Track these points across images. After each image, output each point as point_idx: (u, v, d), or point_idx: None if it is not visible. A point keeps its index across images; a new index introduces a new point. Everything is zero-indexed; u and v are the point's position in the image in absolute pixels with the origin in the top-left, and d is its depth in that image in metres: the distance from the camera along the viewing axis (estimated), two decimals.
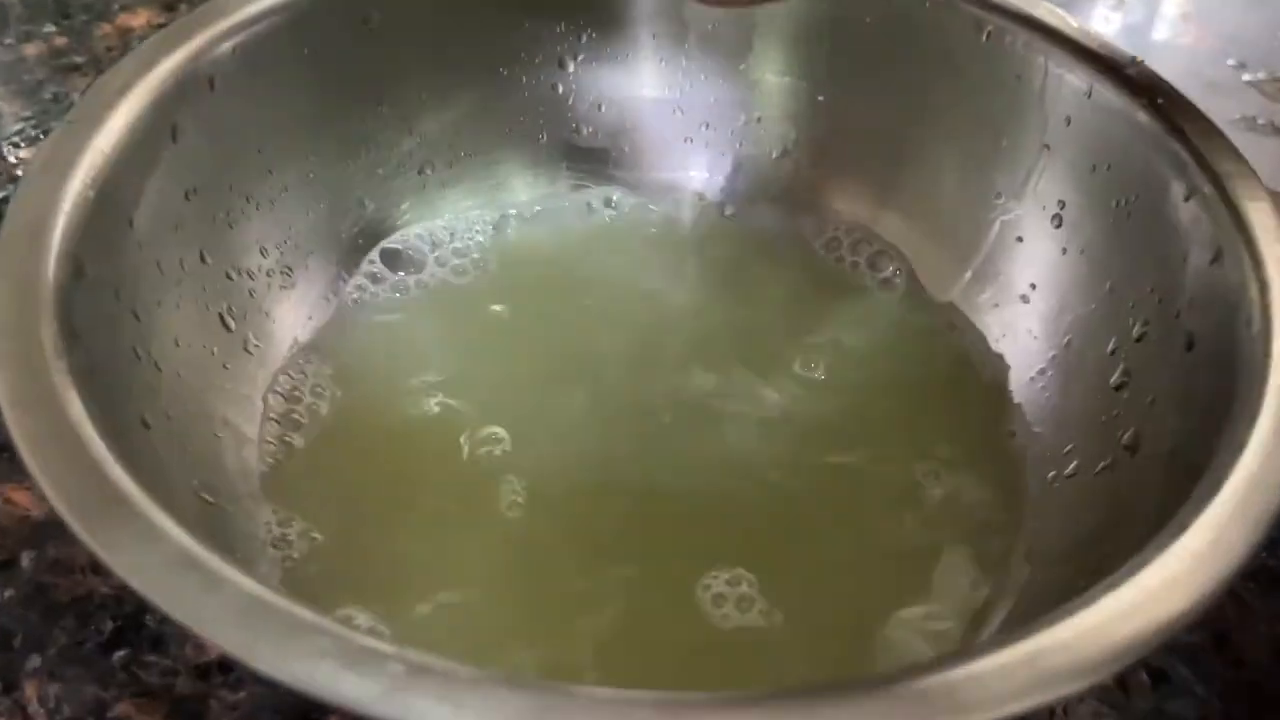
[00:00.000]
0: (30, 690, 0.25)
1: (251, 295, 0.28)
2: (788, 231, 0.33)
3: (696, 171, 0.34)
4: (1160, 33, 0.48)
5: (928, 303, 0.32)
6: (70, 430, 0.18)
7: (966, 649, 0.17)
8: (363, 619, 0.23)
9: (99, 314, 0.22)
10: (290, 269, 0.30)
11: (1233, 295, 0.22)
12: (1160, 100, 0.26)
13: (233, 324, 0.28)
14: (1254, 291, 0.21)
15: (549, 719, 0.15)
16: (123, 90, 0.24)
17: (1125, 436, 0.25)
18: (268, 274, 0.29)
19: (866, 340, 0.31)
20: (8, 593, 0.26)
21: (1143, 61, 0.27)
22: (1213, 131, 0.25)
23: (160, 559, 0.16)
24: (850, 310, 0.31)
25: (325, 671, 0.15)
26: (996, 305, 0.30)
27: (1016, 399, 0.29)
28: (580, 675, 0.23)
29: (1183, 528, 0.18)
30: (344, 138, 0.31)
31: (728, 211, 0.34)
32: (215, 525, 0.23)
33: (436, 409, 0.28)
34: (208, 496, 0.24)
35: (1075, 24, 0.28)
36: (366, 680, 0.15)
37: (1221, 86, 0.45)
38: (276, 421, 0.27)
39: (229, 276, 0.28)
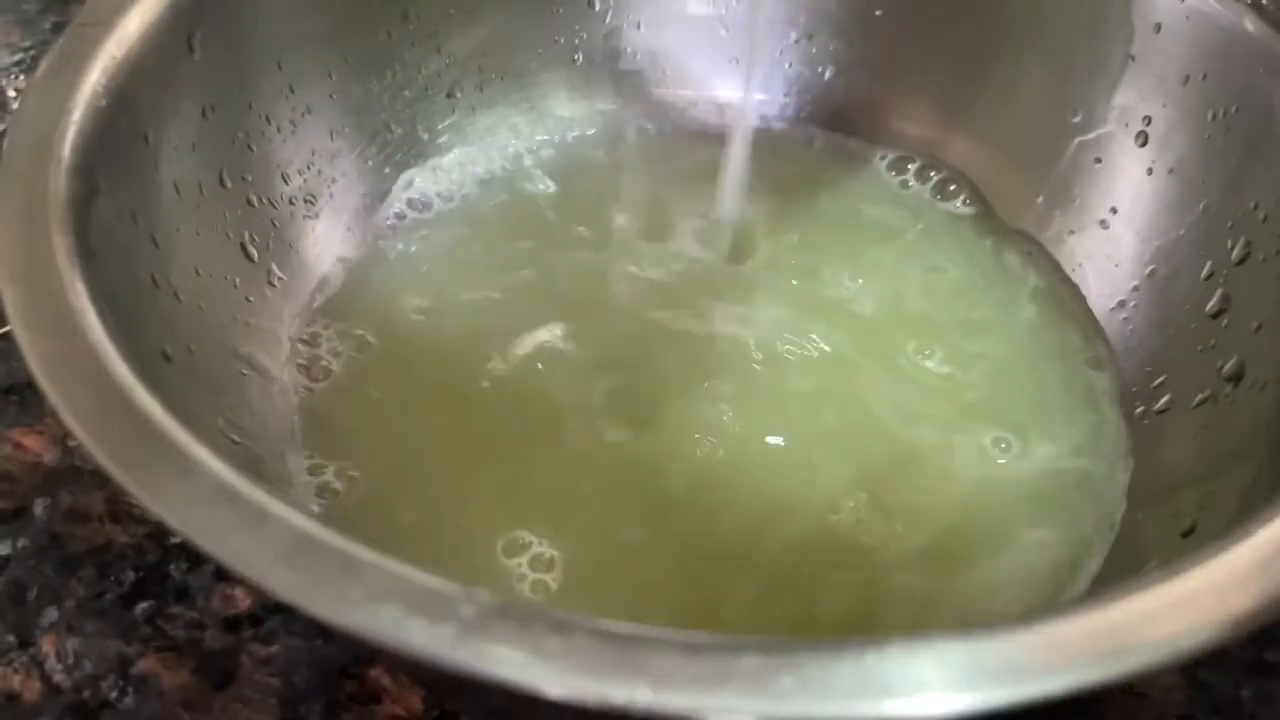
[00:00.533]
0: (47, 645, 0.23)
1: (274, 224, 0.26)
2: (845, 156, 0.31)
3: (743, 93, 0.32)
4: None
5: (999, 229, 0.30)
6: (92, 356, 0.16)
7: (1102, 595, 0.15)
8: None
9: (114, 235, 0.20)
10: (314, 197, 0.28)
11: None
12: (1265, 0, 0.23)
13: (255, 254, 0.26)
14: None
15: (635, 660, 0.13)
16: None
17: (1226, 366, 0.23)
18: (290, 201, 0.27)
19: (933, 271, 0.29)
20: (21, 543, 0.25)
21: None
22: None
23: (200, 494, 0.15)
24: (915, 238, 0.29)
25: (389, 616, 0.13)
26: (1073, 232, 0.28)
27: (1097, 330, 0.27)
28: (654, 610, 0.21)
29: None
30: (368, 56, 0.28)
31: (779, 136, 0.32)
32: (244, 468, 0.22)
33: (472, 341, 0.26)
34: (235, 437, 0.22)
35: None
36: (437, 625, 0.13)
37: None
38: (303, 364, 0.25)
39: (250, 203, 0.26)
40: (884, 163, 0.31)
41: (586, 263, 0.29)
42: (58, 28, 0.39)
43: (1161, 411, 0.25)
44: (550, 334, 0.26)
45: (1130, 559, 0.22)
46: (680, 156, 0.32)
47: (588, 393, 0.25)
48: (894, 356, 0.27)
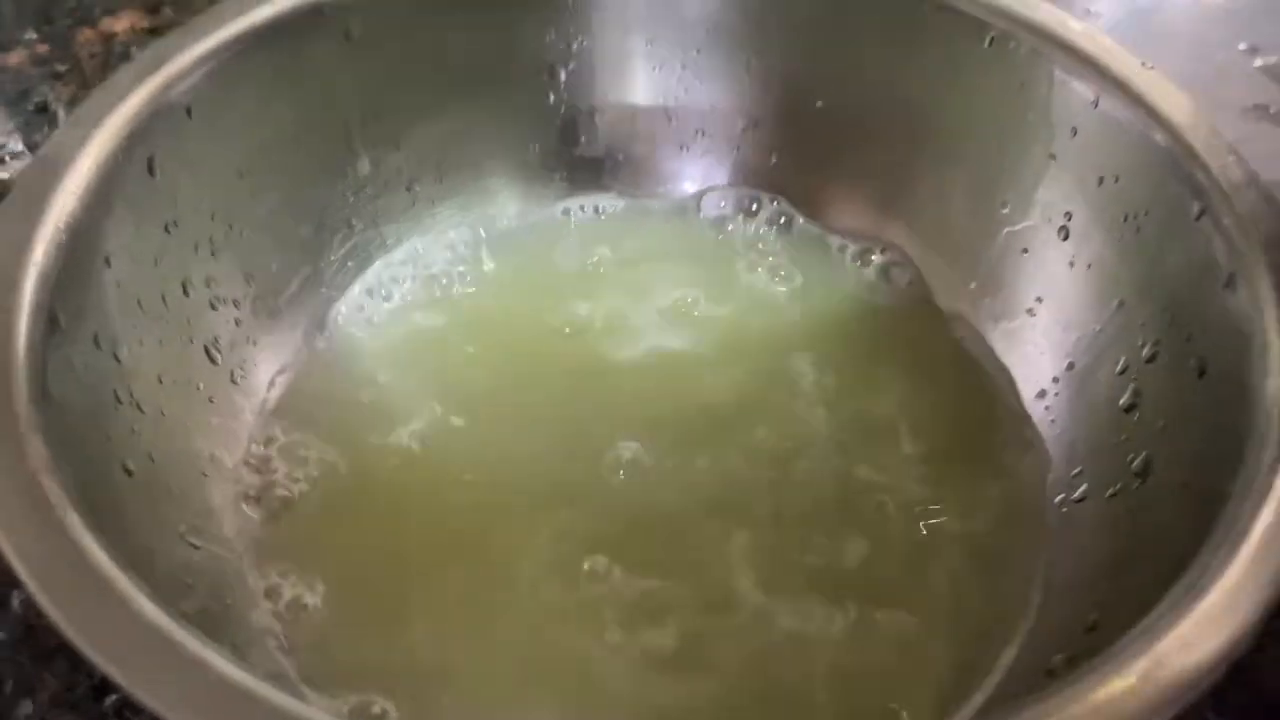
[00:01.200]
0: None
1: (237, 324, 0.28)
2: (789, 238, 0.32)
3: (692, 180, 0.33)
4: (1168, 15, 0.47)
5: (935, 312, 0.31)
6: (45, 504, 0.18)
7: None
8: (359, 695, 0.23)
9: (76, 363, 0.21)
10: (277, 293, 0.29)
11: (1246, 323, 0.21)
12: (1171, 112, 0.25)
13: (219, 356, 0.27)
14: (1270, 319, 0.21)
15: None
16: (93, 126, 0.23)
17: (1135, 462, 0.24)
18: (253, 301, 0.28)
19: (871, 348, 0.30)
20: None
21: (1153, 68, 0.26)
22: (1225, 147, 0.24)
23: (134, 640, 0.16)
24: (854, 318, 0.31)
25: None
26: (1002, 318, 0.30)
27: (1024, 416, 0.28)
28: None
29: (1198, 589, 0.17)
30: (328, 155, 0.30)
31: (727, 219, 0.33)
32: (204, 571, 0.23)
33: (428, 446, 0.28)
34: (195, 541, 0.23)
35: (1081, 28, 0.27)
36: None
37: (1232, 72, 0.43)
38: (259, 462, 0.27)
39: (213, 306, 0.27)
40: (824, 246, 0.32)
41: (544, 354, 0.30)
42: (41, 108, 0.40)
43: (1079, 501, 0.26)
44: (503, 433, 0.28)
45: (1041, 647, 0.23)
46: (634, 237, 0.33)
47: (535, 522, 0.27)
48: (836, 426, 0.28)
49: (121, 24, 0.44)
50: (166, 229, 0.25)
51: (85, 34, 0.43)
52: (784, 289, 0.32)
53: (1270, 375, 0.20)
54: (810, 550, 0.26)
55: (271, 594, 0.24)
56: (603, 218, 0.34)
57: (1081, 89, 0.27)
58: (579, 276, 0.32)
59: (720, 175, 0.33)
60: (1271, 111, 0.41)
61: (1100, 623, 0.22)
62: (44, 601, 0.17)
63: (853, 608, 0.25)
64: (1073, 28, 0.27)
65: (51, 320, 0.21)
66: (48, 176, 0.22)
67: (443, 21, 0.30)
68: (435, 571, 0.25)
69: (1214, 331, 0.23)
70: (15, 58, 0.42)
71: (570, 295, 0.31)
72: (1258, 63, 0.44)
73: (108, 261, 0.23)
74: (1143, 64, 0.26)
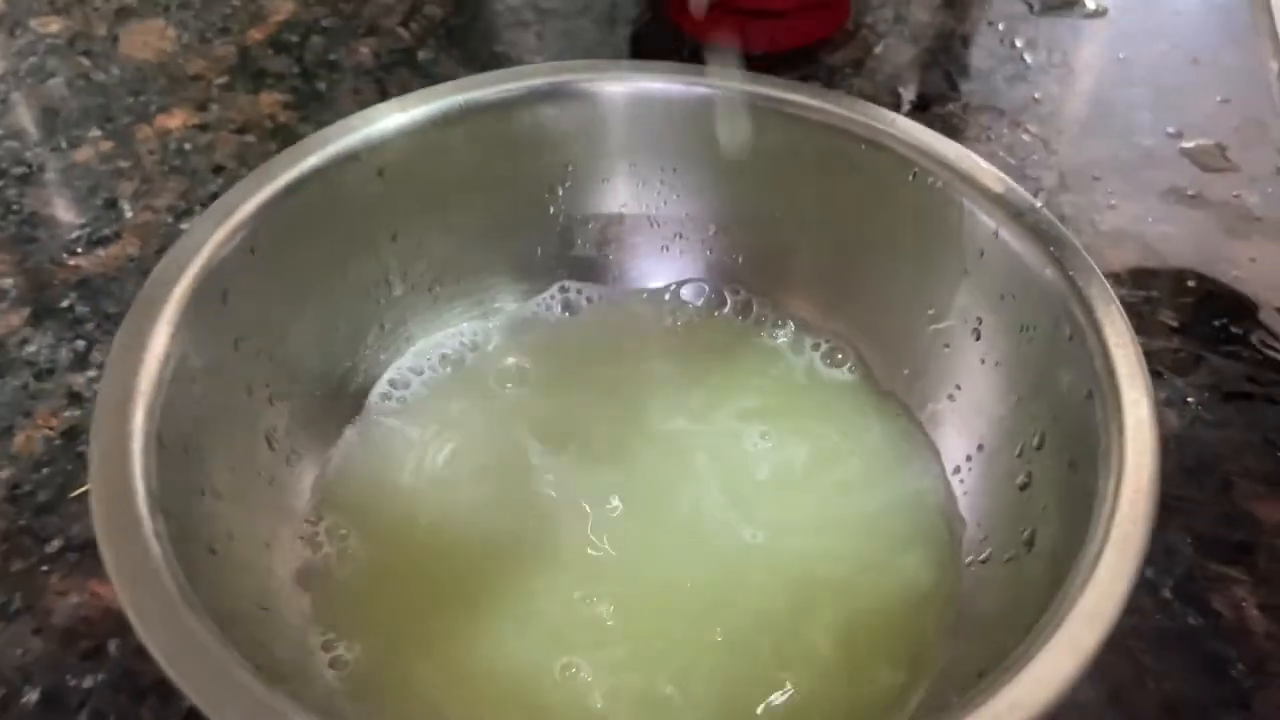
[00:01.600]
0: None
1: (290, 415, 0.33)
2: (751, 326, 0.38)
3: (671, 275, 0.39)
4: (1105, 98, 0.52)
5: (876, 391, 0.36)
6: (159, 583, 0.23)
7: None
8: None
9: (173, 467, 0.27)
10: (322, 384, 0.35)
11: (1095, 434, 0.27)
12: (1052, 248, 0.30)
13: (276, 444, 0.33)
14: (1114, 433, 0.26)
15: None
16: (179, 271, 0.29)
17: (1025, 534, 0.30)
18: (303, 394, 0.34)
19: (818, 421, 0.36)
20: (100, 676, 0.32)
21: (1042, 208, 0.31)
22: (1097, 280, 0.29)
23: (218, 681, 0.22)
24: (803, 397, 0.36)
25: None
26: (928, 401, 0.35)
27: (947, 486, 0.34)
28: None
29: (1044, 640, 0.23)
30: (365, 270, 0.35)
31: (699, 307, 0.39)
32: (271, 633, 0.29)
33: (462, 519, 0.33)
34: (264, 607, 0.29)
35: (988, 168, 0.33)
36: None
37: (1156, 156, 0.49)
38: (311, 535, 0.33)
39: (271, 402, 0.33)
40: (779, 334, 0.38)
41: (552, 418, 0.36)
42: (109, 204, 0.46)
43: (984, 562, 0.31)
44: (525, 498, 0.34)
45: (947, 687, 0.29)
46: (623, 320, 0.39)
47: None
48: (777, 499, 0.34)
49: (175, 120, 0.50)
50: (235, 345, 0.31)
51: (144, 130, 0.49)
52: (744, 364, 0.38)
53: (1110, 477, 0.26)
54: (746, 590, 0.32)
55: (326, 647, 0.30)
56: (595, 304, 0.39)
57: (985, 220, 0.32)
58: (578, 356, 0.38)
59: (695, 270, 0.39)
60: (1188, 194, 0.47)
61: (987, 671, 0.27)
62: (154, 652, 0.22)
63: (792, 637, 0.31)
64: (981, 167, 0.33)
65: (159, 441, 0.26)
66: (144, 318, 0.28)
67: (458, 156, 0.35)
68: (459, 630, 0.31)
69: (1079, 433, 0.28)
70: (82, 154, 0.48)
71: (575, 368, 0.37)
72: (1182, 145, 0.49)
73: (193, 380, 0.29)
74: (1036, 203, 0.31)
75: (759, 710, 0.29)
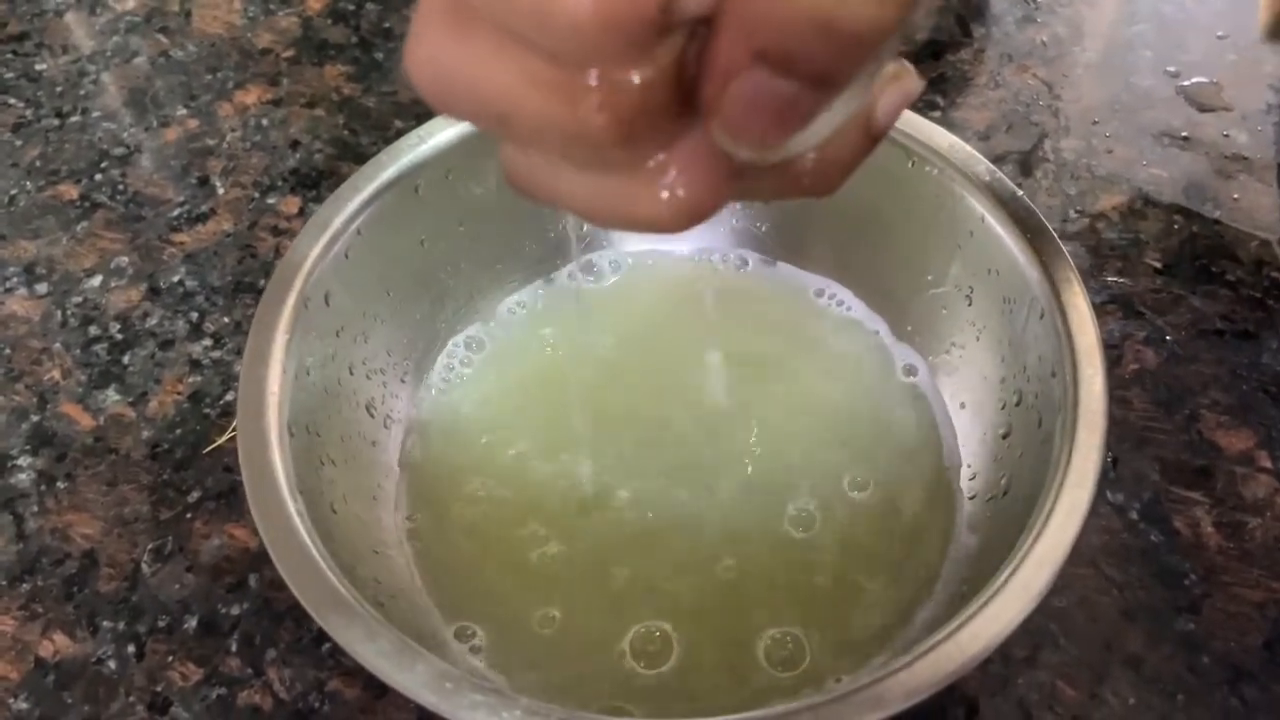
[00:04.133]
0: (273, 674, 0.37)
1: (384, 385, 0.40)
2: (772, 285, 0.44)
3: (700, 241, 0.44)
4: (1109, 34, 0.55)
5: (887, 342, 0.42)
6: (298, 536, 0.30)
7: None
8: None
9: (300, 449, 0.34)
10: (407, 358, 0.41)
11: (1056, 405, 0.32)
12: (1029, 235, 0.35)
13: (374, 411, 0.39)
14: (1068, 409, 0.32)
15: None
16: (289, 282, 0.35)
17: (1003, 480, 0.36)
18: (394, 367, 0.40)
19: (831, 364, 0.42)
20: (245, 605, 0.39)
21: (1022, 196, 0.36)
22: (1065, 265, 0.34)
23: (339, 608, 0.28)
24: (828, 342, 0.42)
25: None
26: (929, 354, 0.41)
27: (947, 420, 0.40)
28: None
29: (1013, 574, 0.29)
30: (439, 253, 0.41)
31: (729, 267, 0.44)
32: (383, 570, 0.36)
33: (528, 462, 0.40)
34: (375, 550, 0.36)
35: (978, 158, 0.37)
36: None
37: (1154, 96, 0.52)
38: (408, 476, 0.39)
39: (367, 377, 0.39)
40: (802, 286, 0.43)
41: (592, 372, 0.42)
42: (201, 181, 0.52)
43: (971, 499, 0.37)
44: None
45: (937, 604, 0.35)
46: (660, 280, 0.45)
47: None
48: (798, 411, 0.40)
49: (251, 96, 0.55)
50: (337, 334, 0.37)
51: (224, 108, 0.54)
52: (769, 315, 0.43)
53: (1064, 446, 0.31)
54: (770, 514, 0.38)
55: (425, 580, 0.37)
56: (634, 267, 0.45)
57: (974, 205, 0.37)
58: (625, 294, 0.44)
59: (722, 238, 0.44)
60: (1181, 135, 0.51)
61: (968, 594, 0.33)
62: (292, 585, 0.29)
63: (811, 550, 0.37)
64: (971, 156, 0.37)
65: (290, 431, 0.33)
66: (266, 326, 0.34)
67: None
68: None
69: (1044, 399, 0.34)
70: (172, 133, 0.54)
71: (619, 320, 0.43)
72: (1181, 83, 0.53)
73: (308, 372, 0.35)
74: (1017, 192, 0.36)
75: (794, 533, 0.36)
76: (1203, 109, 0.51)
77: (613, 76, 0.16)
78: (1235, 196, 0.48)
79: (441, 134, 0.39)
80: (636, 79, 0.16)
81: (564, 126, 0.17)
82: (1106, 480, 0.40)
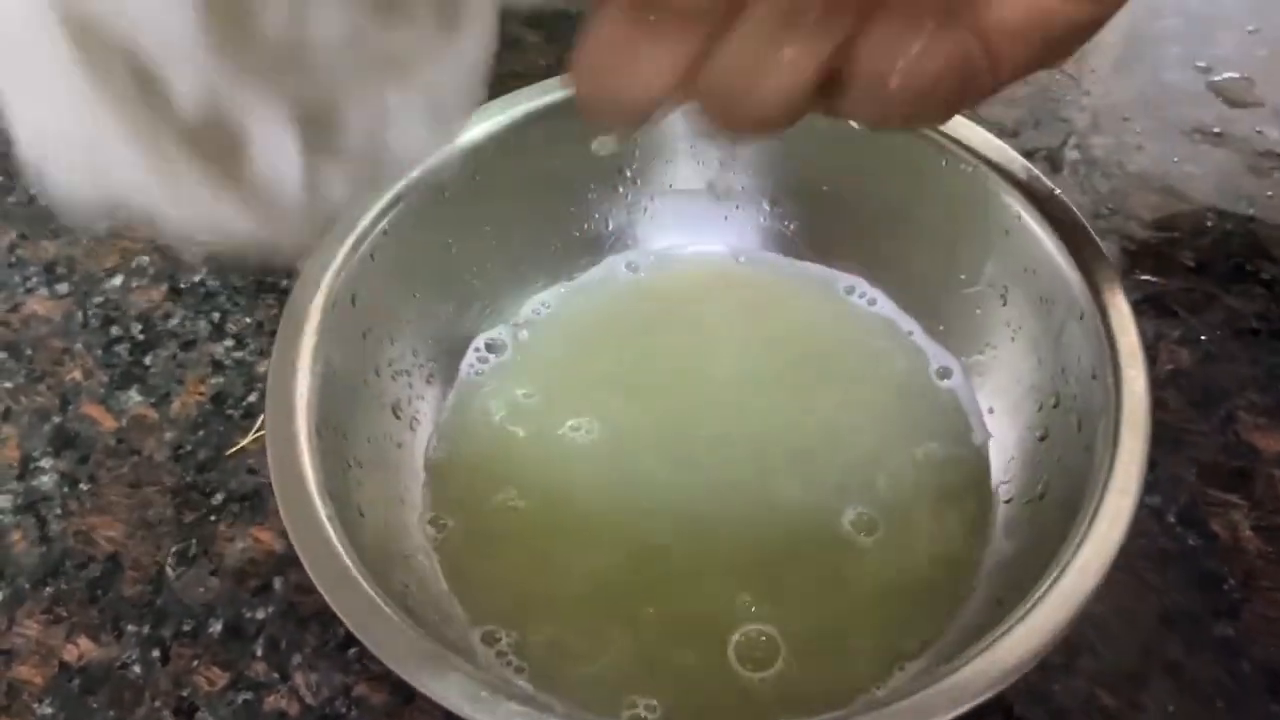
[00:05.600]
0: (299, 679, 0.37)
1: (410, 387, 0.39)
2: (802, 284, 0.43)
3: (730, 241, 0.44)
4: (1136, 28, 0.55)
5: (922, 341, 0.41)
6: (327, 538, 0.30)
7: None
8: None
9: (327, 451, 0.33)
10: (433, 359, 0.40)
11: (1097, 408, 0.32)
12: (1066, 234, 0.34)
13: (400, 413, 0.39)
14: (1111, 412, 0.31)
15: None
16: (316, 284, 0.35)
17: (1040, 483, 0.35)
18: (420, 369, 0.40)
19: (862, 365, 0.41)
20: (270, 609, 0.39)
21: (1060, 194, 0.35)
22: (1105, 265, 0.34)
23: (368, 614, 0.28)
24: (854, 341, 0.42)
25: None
26: (962, 354, 0.40)
27: (981, 424, 0.39)
28: None
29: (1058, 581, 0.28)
30: (465, 253, 0.41)
31: (758, 266, 0.44)
32: (411, 575, 0.35)
33: (555, 464, 0.39)
34: (405, 554, 0.36)
35: (1014, 155, 0.37)
36: None
37: (1185, 92, 0.52)
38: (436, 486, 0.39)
39: (394, 379, 0.39)
40: (831, 287, 0.43)
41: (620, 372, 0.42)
42: None
43: (1007, 502, 0.37)
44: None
45: (970, 611, 0.35)
46: (692, 277, 0.44)
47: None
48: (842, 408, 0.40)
49: None
50: (363, 336, 0.37)
51: None
52: (800, 314, 0.43)
53: (1107, 450, 0.30)
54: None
55: (453, 586, 0.36)
56: (661, 267, 0.44)
57: (1010, 203, 0.36)
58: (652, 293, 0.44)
59: (751, 237, 0.44)
60: (1214, 132, 0.50)
61: (1004, 600, 0.33)
62: (323, 590, 0.29)
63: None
64: (1007, 154, 0.37)
65: (318, 432, 0.32)
66: (292, 328, 0.34)
67: (538, 152, 0.40)
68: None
69: (1083, 401, 0.33)
70: None
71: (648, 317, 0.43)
72: (1212, 78, 0.52)
73: (335, 375, 0.35)
74: (1055, 190, 0.36)
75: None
76: (1234, 104, 0.51)
77: None
78: (1269, 194, 0.47)
79: (468, 135, 0.38)
80: None
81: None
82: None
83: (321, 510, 0.30)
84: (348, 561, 0.29)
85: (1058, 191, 0.36)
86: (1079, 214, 0.35)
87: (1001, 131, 0.50)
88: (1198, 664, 0.36)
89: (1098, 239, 0.34)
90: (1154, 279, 0.45)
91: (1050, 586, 0.29)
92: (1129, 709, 0.35)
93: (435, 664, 0.28)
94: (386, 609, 0.29)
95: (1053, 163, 0.49)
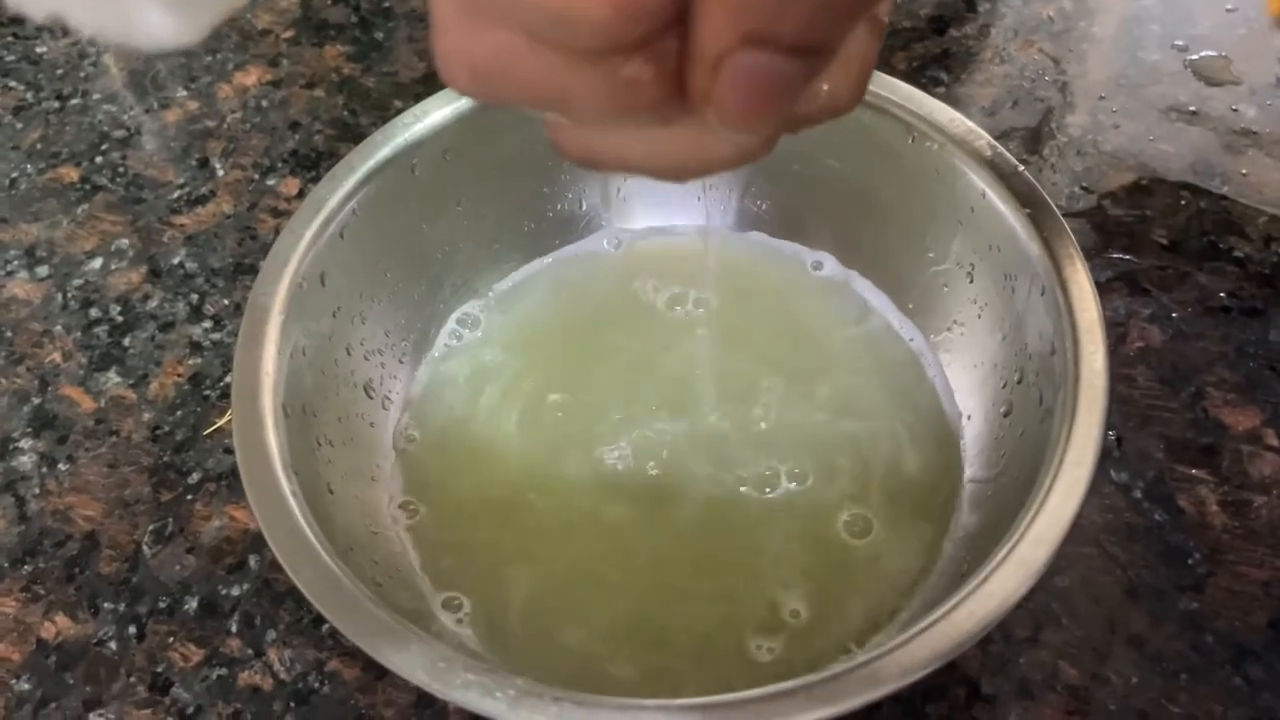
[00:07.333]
0: (273, 655, 0.37)
1: (383, 366, 0.40)
2: (775, 261, 0.43)
3: (703, 218, 0.44)
4: (1115, 6, 0.55)
5: (893, 319, 0.41)
6: (293, 518, 0.30)
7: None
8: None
9: (295, 429, 0.33)
10: (405, 338, 0.41)
11: (1056, 384, 0.32)
12: (1029, 210, 0.35)
13: (372, 392, 0.39)
14: (1069, 385, 0.31)
15: None
16: (284, 262, 0.35)
17: (1004, 458, 0.35)
18: (392, 349, 0.40)
19: (832, 342, 0.41)
20: (245, 586, 0.39)
21: (1024, 171, 0.36)
22: (1067, 240, 0.34)
23: (337, 592, 0.28)
24: (822, 318, 0.42)
25: (466, 688, 0.27)
26: (930, 331, 0.40)
27: (949, 392, 0.39)
28: None
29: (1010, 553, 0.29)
30: (437, 233, 0.41)
31: (731, 241, 0.44)
32: (380, 551, 0.35)
33: (526, 441, 0.39)
34: (373, 530, 0.36)
35: (979, 132, 0.37)
36: (492, 696, 0.27)
37: (1162, 71, 0.52)
38: (406, 462, 0.39)
39: (365, 358, 0.39)
40: (802, 263, 0.43)
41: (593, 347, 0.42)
42: (201, 164, 0.51)
43: (973, 476, 0.37)
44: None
45: (943, 584, 0.35)
46: (665, 251, 0.44)
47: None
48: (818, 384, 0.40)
49: (250, 78, 0.54)
50: (333, 315, 0.37)
51: (224, 89, 0.54)
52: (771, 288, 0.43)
53: (1064, 424, 0.31)
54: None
55: (423, 564, 0.37)
56: (635, 243, 0.45)
57: (975, 180, 0.36)
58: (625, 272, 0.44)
59: (724, 216, 0.44)
60: (1189, 110, 0.50)
61: (967, 572, 0.33)
62: (284, 563, 0.29)
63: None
64: (972, 130, 0.37)
65: (285, 412, 0.33)
66: (258, 313, 0.34)
67: (509, 133, 0.40)
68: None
69: (1044, 376, 0.33)
70: (172, 115, 0.53)
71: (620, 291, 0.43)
72: (1189, 57, 0.52)
73: (304, 352, 0.35)
74: (1019, 167, 0.36)
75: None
76: (1211, 83, 0.51)
77: (650, 49, 0.16)
78: (1244, 172, 0.47)
79: (437, 113, 0.39)
80: (670, 44, 0.16)
81: (614, 99, 0.17)
82: (1110, 459, 0.40)
83: (286, 486, 0.31)
84: (311, 537, 0.30)
85: (1021, 168, 0.36)
86: (1042, 190, 0.35)
87: (979, 111, 0.50)
88: (1161, 637, 0.36)
89: (1060, 215, 0.35)
90: (1126, 257, 0.45)
91: (1005, 557, 0.29)
92: (1093, 682, 0.35)
93: (395, 636, 0.28)
94: (348, 582, 0.29)
95: (1029, 142, 0.49)
